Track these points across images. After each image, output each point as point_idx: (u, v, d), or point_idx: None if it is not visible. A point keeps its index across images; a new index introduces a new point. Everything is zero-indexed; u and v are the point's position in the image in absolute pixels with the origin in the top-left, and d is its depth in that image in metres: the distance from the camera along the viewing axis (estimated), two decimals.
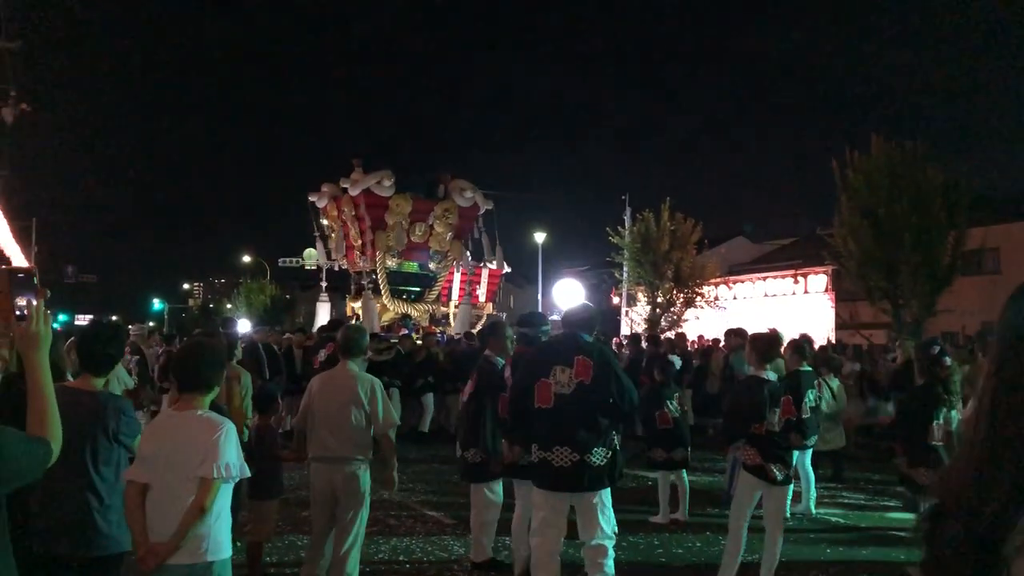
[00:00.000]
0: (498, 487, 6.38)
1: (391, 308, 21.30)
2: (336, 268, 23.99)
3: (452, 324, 21.62)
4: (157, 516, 3.23)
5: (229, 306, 53.90)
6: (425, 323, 20.46)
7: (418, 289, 22.73)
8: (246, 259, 56.01)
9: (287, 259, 44.42)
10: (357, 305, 21.96)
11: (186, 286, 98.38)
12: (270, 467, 5.72)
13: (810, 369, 7.70)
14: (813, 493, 8.39)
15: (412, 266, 22.61)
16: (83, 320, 55.74)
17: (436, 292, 22.91)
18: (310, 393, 5.39)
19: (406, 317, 19.37)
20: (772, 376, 5.91)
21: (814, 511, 8.31)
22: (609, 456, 5.07)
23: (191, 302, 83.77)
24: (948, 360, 6.33)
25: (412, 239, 21.72)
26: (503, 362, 6.28)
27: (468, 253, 23.08)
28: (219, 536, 3.32)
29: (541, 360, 5.26)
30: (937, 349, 6.48)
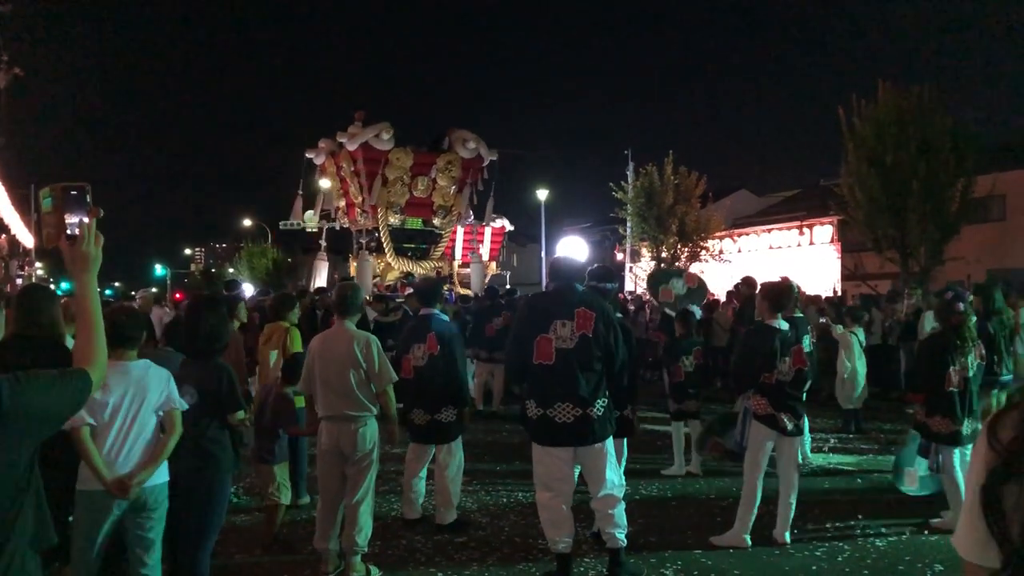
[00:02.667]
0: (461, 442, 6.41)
1: (395, 266, 20.81)
2: (338, 227, 23.46)
3: (456, 283, 21.32)
4: (122, 452, 3.73)
5: (231, 270, 53.81)
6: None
7: (423, 246, 22.16)
8: (247, 223, 55.82)
9: (288, 222, 44.24)
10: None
11: (188, 251, 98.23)
12: (274, 432, 5.74)
13: (801, 315, 7.71)
14: (808, 438, 8.42)
15: (416, 222, 21.95)
16: None
17: (442, 249, 22.35)
18: (311, 354, 5.35)
19: (410, 276, 18.98)
20: (783, 325, 5.81)
21: (810, 456, 8.35)
22: (606, 405, 5.02)
23: (193, 267, 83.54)
24: (962, 306, 6.23)
25: (414, 194, 21.04)
26: (447, 316, 6.54)
27: (470, 208, 22.39)
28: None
29: (539, 315, 5.12)
30: (951, 295, 6.39)
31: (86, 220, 2.20)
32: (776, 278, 12.65)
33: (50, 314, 4.09)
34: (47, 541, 2.02)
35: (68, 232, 2.18)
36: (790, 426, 5.70)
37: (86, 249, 2.18)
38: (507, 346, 5.58)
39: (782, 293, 5.98)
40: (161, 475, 3.87)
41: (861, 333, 10.16)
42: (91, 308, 2.18)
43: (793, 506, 5.80)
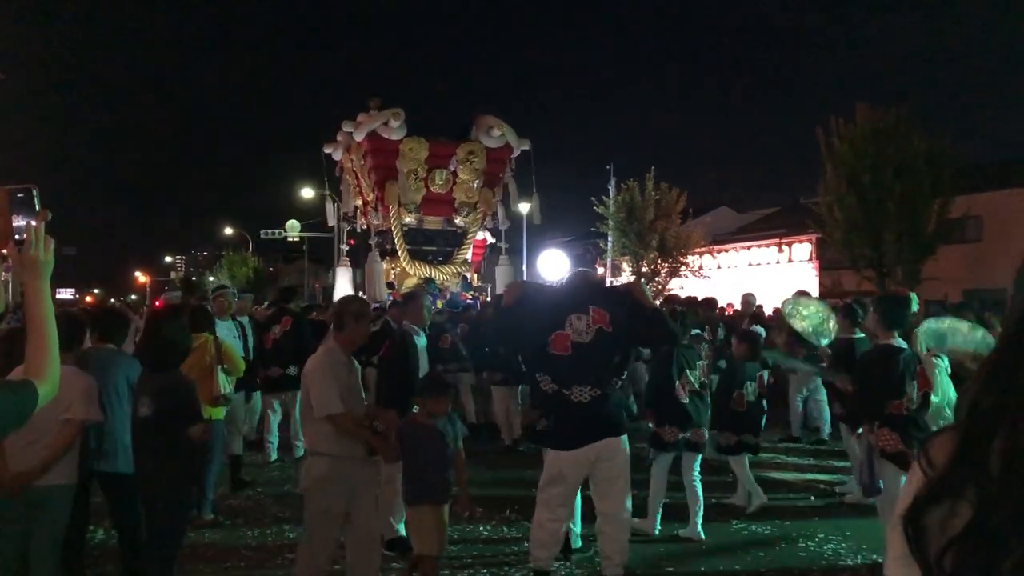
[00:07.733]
0: None
1: (412, 272, 18.39)
2: (358, 229, 20.79)
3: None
4: (19, 451, 3.83)
5: (212, 279, 53.49)
6: (455, 288, 17.41)
7: (446, 248, 19.32)
8: (228, 231, 55.56)
9: (269, 231, 44.07)
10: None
11: (168, 259, 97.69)
12: (422, 465, 4.56)
13: (863, 336, 7.01)
14: None
15: (435, 222, 19.30)
16: (64, 293, 55.19)
17: (466, 252, 19.46)
18: None
19: (429, 281, 16.88)
20: (902, 343, 5.10)
21: None
22: (621, 398, 5.03)
23: (173, 275, 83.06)
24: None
25: (432, 189, 18.37)
26: (423, 334, 6.32)
27: (500, 204, 19.72)
28: (73, 465, 4.10)
29: (554, 310, 4.97)
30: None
31: (34, 224, 2.08)
32: (751, 294, 12.40)
33: None
34: None
35: (16, 237, 2.09)
36: None
37: (35, 254, 2.04)
38: (494, 324, 5.47)
39: (898, 305, 5.31)
40: (58, 477, 3.97)
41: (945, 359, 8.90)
42: (44, 317, 2.03)
43: None
